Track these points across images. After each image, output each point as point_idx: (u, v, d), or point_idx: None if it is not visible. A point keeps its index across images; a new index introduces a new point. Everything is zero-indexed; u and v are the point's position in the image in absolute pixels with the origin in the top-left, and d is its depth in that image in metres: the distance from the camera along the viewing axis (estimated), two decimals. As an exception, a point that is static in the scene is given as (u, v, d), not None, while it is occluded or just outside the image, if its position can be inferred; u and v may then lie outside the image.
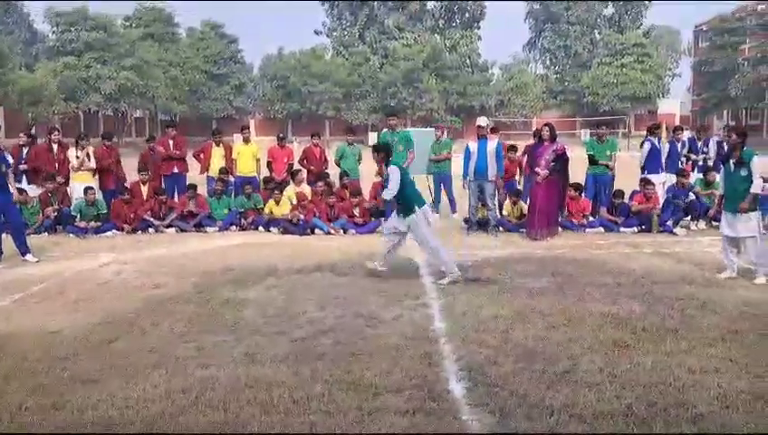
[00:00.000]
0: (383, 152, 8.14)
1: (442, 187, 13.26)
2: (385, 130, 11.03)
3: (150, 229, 11.66)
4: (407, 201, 7.79)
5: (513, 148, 12.93)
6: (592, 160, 12.14)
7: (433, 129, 17.32)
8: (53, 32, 43.36)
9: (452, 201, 13.36)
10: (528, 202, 11.09)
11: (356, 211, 11.65)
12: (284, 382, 4.64)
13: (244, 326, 5.98)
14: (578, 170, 12.36)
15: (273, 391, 4.47)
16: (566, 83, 60.74)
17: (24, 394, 4.42)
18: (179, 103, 49.03)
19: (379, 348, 5.31)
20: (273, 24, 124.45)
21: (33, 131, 12.89)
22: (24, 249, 9.09)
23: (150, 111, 49.52)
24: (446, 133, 13.82)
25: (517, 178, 12.90)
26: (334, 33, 61.52)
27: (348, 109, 53.66)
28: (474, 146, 10.96)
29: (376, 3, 59.17)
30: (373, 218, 11.58)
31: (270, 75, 56.81)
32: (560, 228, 11.02)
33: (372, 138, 47.32)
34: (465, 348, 5.28)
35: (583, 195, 11.80)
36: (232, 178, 13.01)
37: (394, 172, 7.76)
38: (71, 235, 11.26)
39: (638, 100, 55.28)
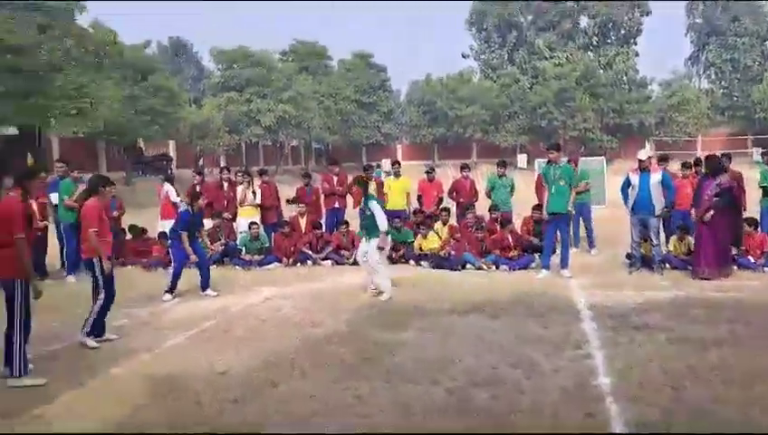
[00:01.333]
0: (362, 187, 9.50)
1: (581, 219, 12.69)
2: (545, 164, 10.75)
3: (308, 262, 12.08)
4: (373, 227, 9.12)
5: (685, 165, 12.08)
6: (767, 191, 11.15)
7: (594, 158, 16.72)
8: (218, 69, 46.60)
9: (590, 234, 12.74)
10: (694, 237, 10.36)
11: (510, 250, 11.37)
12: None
13: (399, 373, 5.96)
14: (754, 195, 11.44)
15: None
16: (734, 99, 56.56)
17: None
18: (332, 133, 50.88)
19: (538, 405, 5.11)
20: (420, 51, 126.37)
21: (201, 163, 13.86)
22: (205, 284, 9.73)
23: (305, 140, 51.72)
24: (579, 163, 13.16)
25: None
26: (482, 57, 61.39)
27: (496, 131, 53.17)
28: (635, 179, 10.41)
29: (525, 24, 58.45)
30: (527, 253, 11.30)
31: (416, 101, 57.59)
32: (734, 267, 10.17)
33: (521, 160, 46.56)
34: (632, 409, 4.95)
35: (759, 229, 10.83)
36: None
37: (376, 207, 9.20)
38: (236, 267, 11.91)
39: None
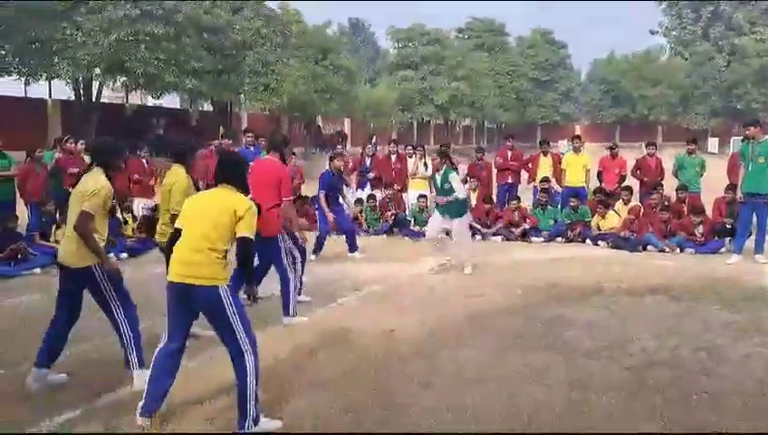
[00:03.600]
0: (443, 158, 9.19)
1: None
2: (743, 141, 9.75)
3: (477, 236, 11.97)
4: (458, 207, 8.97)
5: None
6: None
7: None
8: (394, 47, 47.47)
9: None
10: None
11: (698, 230, 10.52)
12: (612, 414, 4.31)
13: (573, 347, 5.72)
14: None
15: (604, 422, 4.17)
16: None
17: (365, 392, 4.72)
18: (506, 111, 50.11)
19: (727, 392, 4.66)
20: (605, 29, 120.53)
21: (374, 141, 14.10)
22: (353, 248, 10.09)
23: (478, 119, 51.39)
24: None
25: None
26: (673, 33, 57.35)
27: (684, 113, 49.61)
28: None
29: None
30: (717, 237, 10.41)
31: (598, 80, 55.16)
32: None
33: (712, 144, 43.08)
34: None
35: None
36: (559, 189, 12.77)
37: (455, 178, 9.01)
38: (405, 238, 12.06)
39: None
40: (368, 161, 13.44)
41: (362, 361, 5.34)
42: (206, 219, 4.04)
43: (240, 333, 3.98)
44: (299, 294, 7.03)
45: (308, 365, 5.22)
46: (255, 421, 3.98)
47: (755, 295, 7.42)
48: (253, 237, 4.05)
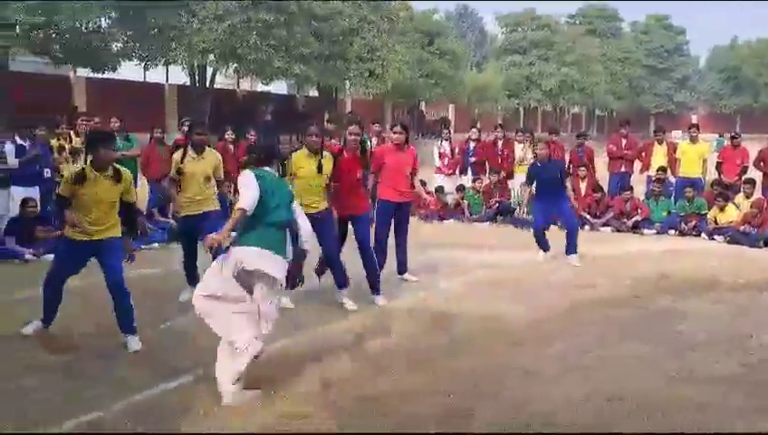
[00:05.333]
0: None
1: None
2: None
3: (586, 226, 11.61)
4: None
5: None
6: None
7: None
8: (502, 32, 46.67)
9: None
10: None
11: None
12: (726, 409, 4.10)
13: (685, 340, 5.51)
14: None
15: (717, 416, 3.99)
16: None
17: (465, 377, 4.69)
18: (617, 99, 48.30)
19: None
20: (727, 13, 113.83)
21: (478, 126, 13.84)
22: None
23: (588, 106, 49.83)
24: None
25: None
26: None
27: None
28: None
29: None
30: None
31: (718, 67, 52.21)
32: None
33: None
34: None
35: None
36: (672, 179, 12.20)
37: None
38: (510, 225, 11.87)
39: None
40: (471, 146, 13.22)
41: (465, 346, 5.30)
42: None
43: None
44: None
45: (409, 348, 5.24)
46: None
47: None
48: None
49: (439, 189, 12.62)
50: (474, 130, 13.50)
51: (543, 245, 8.90)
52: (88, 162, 5.17)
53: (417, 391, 4.40)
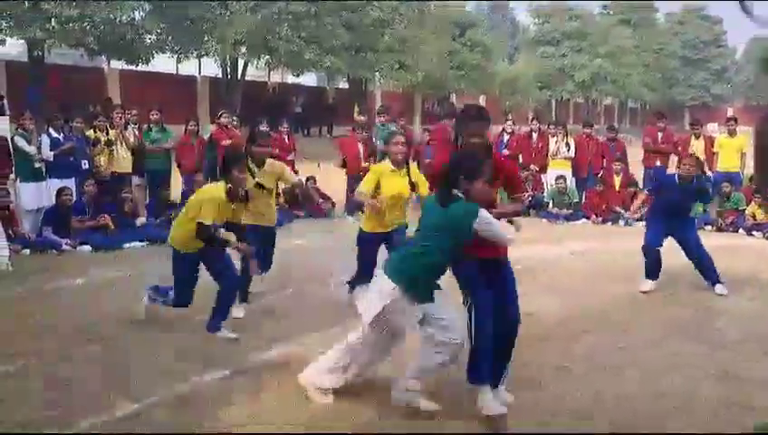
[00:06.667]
0: None
1: None
2: None
3: (620, 221, 11.45)
4: None
5: None
6: None
7: None
8: (534, 23, 46.15)
9: None
10: None
11: None
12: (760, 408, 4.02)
13: (720, 339, 5.43)
14: None
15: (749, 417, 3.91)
16: None
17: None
18: (651, 90, 47.52)
19: None
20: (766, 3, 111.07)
21: (511, 118, 13.61)
22: None
23: (620, 98, 49.12)
24: None
25: None
26: None
27: None
28: None
29: None
30: None
31: (756, 59, 51.02)
32: None
33: None
34: None
35: None
36: (710, 174, 11.95)
37: None
38: (543, 220, 11.75)
39: None
40: (505, 138, 13.02)
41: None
42: None
43: None
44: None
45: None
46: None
47: None
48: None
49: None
50: (508, 122, 13.27)
51: (653, 271, 7.05)
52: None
53: (450, 382, 4.36)
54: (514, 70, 40.27)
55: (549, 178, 12.50)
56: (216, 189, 5.14)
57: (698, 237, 7.08)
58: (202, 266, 5.33)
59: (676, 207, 6.93)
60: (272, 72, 31.19)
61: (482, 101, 40.66)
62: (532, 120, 13.28)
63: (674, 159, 12.71)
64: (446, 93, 35.00)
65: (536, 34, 44.35)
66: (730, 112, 48.72)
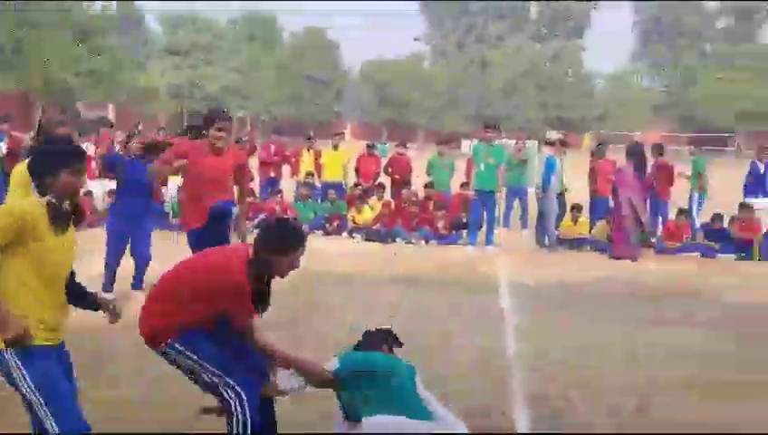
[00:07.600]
0: None
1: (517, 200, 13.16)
2: (477, 142, 10.89)
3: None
4: None
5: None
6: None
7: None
8: (165, 33, 45.53)
9: (524, 214, 13.18)
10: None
11: (440, 224, 11.53)
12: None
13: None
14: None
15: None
16: (675, 97, 58.15)
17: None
18: (279, 106, 50.30)
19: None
20: (373, 32, 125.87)
21: (139, 127, 13.35)
22: None
23: (251, 112, 51.05)
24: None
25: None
26: (433, 42, 61.61)
27: (442, 117, 53.54)
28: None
29: (477, 10, 58.84)
30: (455, 231, 11.53)
31: (369, 81, 57.49)
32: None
33: (466, 146, 46.96)
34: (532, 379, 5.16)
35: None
36: (318, 184, 13.23)
37: None
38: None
39: (753, 117, 51.59)
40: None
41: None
42: None
43: None
44: None
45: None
46: None
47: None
48: None
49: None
50: (136, 132, 12.96)
51: None
52: None
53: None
54: (145, 79, 39.27)
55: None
56: None
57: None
58: None
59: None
60: None
61: (111, 109, 38.82)
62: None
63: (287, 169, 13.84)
64: (73, 101, 32.68)
65: (167, 44, 43.86)
66: (348, 129, 54.20)
